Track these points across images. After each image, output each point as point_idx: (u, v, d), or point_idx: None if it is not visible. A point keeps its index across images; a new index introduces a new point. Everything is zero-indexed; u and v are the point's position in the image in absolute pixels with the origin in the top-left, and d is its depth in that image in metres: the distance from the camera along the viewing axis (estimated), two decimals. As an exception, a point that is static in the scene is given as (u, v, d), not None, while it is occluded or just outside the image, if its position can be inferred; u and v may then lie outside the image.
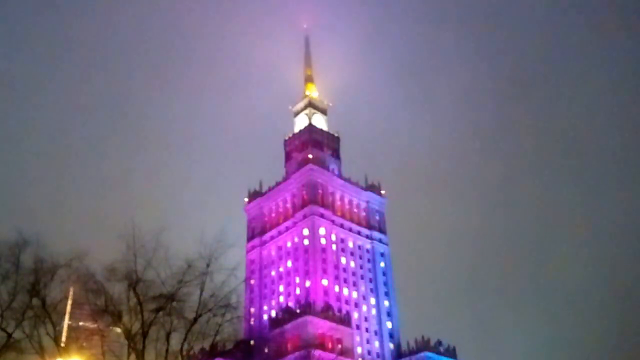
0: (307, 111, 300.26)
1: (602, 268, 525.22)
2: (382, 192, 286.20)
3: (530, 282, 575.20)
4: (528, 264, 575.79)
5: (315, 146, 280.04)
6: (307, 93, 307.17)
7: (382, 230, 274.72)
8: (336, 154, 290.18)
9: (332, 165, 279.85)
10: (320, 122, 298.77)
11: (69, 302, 58.52)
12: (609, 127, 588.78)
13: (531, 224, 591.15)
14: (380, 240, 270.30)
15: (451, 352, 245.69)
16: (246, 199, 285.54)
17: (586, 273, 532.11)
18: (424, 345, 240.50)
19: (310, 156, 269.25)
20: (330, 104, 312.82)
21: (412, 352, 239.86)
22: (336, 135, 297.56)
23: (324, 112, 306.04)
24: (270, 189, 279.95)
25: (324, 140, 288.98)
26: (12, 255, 55.24)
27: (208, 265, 57.28)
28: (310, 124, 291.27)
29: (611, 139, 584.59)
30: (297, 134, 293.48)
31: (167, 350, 56.53)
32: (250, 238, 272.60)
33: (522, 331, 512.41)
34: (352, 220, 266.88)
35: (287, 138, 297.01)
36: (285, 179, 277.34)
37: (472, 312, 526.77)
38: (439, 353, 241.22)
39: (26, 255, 55.48)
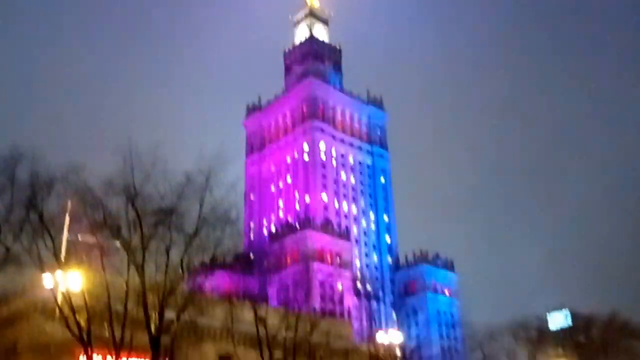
0: (307, 21, 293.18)
1: (615, 182, 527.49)
2: (384, 106, 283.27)
3: (540, 196, 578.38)
4: (538, 178, 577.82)
5: (316, 59, 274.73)
6: (307, 2, 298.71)
7: (383, 146, 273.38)
8: (337, 67, 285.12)
9: (333, 79, 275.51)
10: (321, 33, 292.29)
11: (67, 216, 57.54)
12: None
13: (542, 138, 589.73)
14: (381, 156, 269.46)
15: (449, 265, 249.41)
16: (245, 114, 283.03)
17: (599, 187, 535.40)
18: (421, 259, 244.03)
19: (310, 69, 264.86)
20: (332, 14, 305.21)
21: (409, 266, 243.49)
22: (338, 47, 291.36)
23: (325, 22, 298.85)
24: (269, 104, 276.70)
25: (325, 52, 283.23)
26: (7, 168, 54.31)
27: (207, 180, 56.44)
28: (311, 35, 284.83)
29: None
30: (297, 45, 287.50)
31: (167, 264, 56.25)
32: (249, 153, 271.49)
33: (529, 244, 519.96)
34: (352, 135, 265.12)
35: (286, 50, 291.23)
36: (284, 93, 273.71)
37: (471, 228, 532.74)
38: (436, 266, 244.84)
39: (22, 169, 54.51)
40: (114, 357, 53.15)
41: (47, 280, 54.60)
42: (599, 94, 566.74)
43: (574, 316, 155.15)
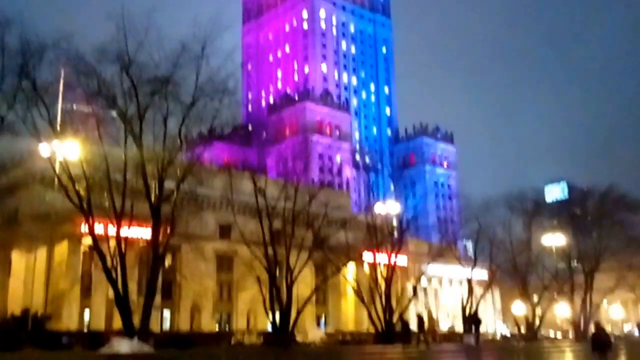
0: None
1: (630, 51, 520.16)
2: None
3: (548, 66, 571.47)
4: (549, 45, 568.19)
5: None
6: None
7: (385, 14, 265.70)
8: None
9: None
10: None
11: (61, 84, 56.21)
12: None
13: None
14: (383, 25, 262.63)
15: (448, 137, 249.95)
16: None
17: (614, 53, 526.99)
18: (421, 131, 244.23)
19: None
20: None
21: (409, 138, 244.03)
22: None
23: None
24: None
25: None
26: (-5, 35, 52.37)
27: (203, 48, 54.59)
28: None
29: None
30: None
31: (165, 134, 55.49)
32: (246, 21, 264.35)
33: (530, 116, 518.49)
34: (354, 2, 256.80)
35: None
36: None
37: (473, 99, 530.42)
38: (436, 139, 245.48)
39: (11, 36, 52.54)
40: (115, 225, 53.49)
41: (44, 149, 54.18)
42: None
43: (570, 189, 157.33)
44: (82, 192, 53.14)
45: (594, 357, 34.22)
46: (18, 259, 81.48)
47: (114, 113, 58.13)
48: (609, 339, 35.46)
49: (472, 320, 74.09)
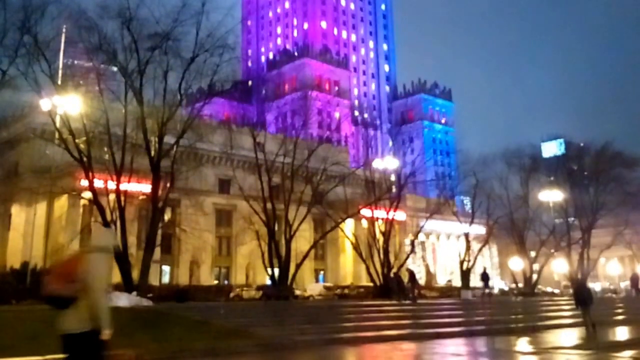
0: None
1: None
2: None
3: (549, 20, 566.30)
4: (547, 4, 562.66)
5: None
6: None
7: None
8: None
9: None
10: None
11: (62, 39, 56.38)
12: None
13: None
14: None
15: (447, 94, 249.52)
16: None
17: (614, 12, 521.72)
18: (419, 88, 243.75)
19: None
20: None
21: (407, 94, 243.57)
22: None
23: None
24: None
25: None
26: (-4, -10, 52.38)
27: (203, 4, 54.59)
28: None
29: None
30: None
31: (165, 89, 55.76)
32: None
33: (529, 72, 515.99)
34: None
35: None
36: None
37: (472, 55, 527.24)
38: (434, 95, 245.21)
39: (12, -9, 52.60)
40: (115, 180, 54.11)
41: (45, 103, 54.54)
42: None
43: (567, 145, 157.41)
44: (82, 146, 53.66)
45: (578, 310, 36.02)
46: (18, 212, 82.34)
47: (114, 68, 58.41)
48: (590, 293, 36.86)
49: (482, 277, 75.48)
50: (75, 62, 66.56)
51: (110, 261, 9.99)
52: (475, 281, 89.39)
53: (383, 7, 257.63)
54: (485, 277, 74.64)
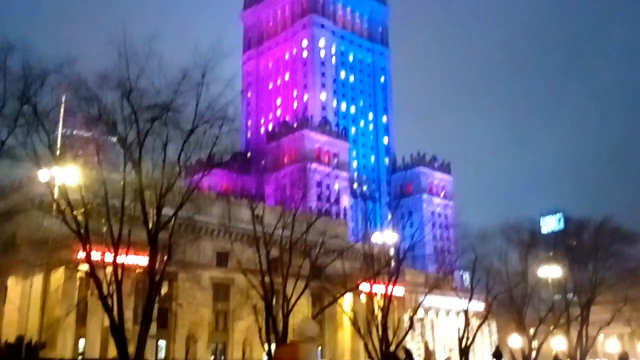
0: None
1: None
2: (387, 2, 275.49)
3: (547, 94, 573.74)
4: (545, 75, 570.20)
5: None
6: None
7: (384, 43, 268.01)
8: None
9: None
10: None
11: (62, 109, 56.44)
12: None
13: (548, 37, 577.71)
14: (381, 54, 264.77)
15: (445, 167, 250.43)
16: (242, 6, 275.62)
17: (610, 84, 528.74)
18: (418, 161, 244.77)
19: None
20: None
21: (406, 167, 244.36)
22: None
23: None
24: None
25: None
26: (-2, 60, 52.66)
27: (203, 76, 54.82)
28: None
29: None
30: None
31: (164, 161, 55.57)
32: (246, 48, 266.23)
33: (527, 148, 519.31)
34: (353, 32, 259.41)
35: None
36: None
37: (470, 129, 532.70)
38: (433, 168, 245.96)
39: (13, 60, 52.77)
40: (112, 252, 53.29)
41: (43, 175, 54.15)
42: None
43: (566, 220, 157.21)
44: (80, 218, 53.01)
45: None
46: (14, 285, 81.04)
47: (113, 139, 58.30)
48: None
49: (494, 355, 74.15)
50: (74, 132, 66.55)
51: (316, 348, 10.11)
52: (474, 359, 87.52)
53: (382, 79, 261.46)
54: (497, 355, 73.09)
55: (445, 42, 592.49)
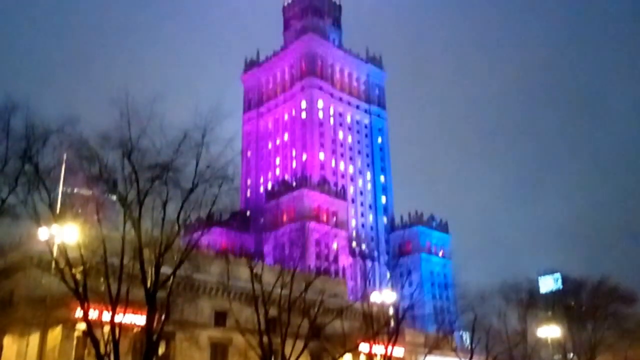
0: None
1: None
2: (383, 65, 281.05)
3: (542, 155, 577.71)
4: (539, 138, 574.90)
5: (316, 14, 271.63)
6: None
7: (381, 105, 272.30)
8: (337, 24, 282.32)
9: (333, 36, 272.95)
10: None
11: (63, 168, 57.08)
12: None
13: (547, 98, 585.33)
14: (378, 115, 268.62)
15: (443, 227, 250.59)
16: (243, 69, 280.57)
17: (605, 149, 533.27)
18: (416, 220, 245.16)
19: (309, 25, 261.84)
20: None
21: (405, 226, 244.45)
22: (338, 3, 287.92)
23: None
24: (267, 59, 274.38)
25: (325, 8, 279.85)
26: (1, 119, 53.53)
27: (204, 136, 55.77)
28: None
29: None
30: (296, 0, 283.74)
31: (163, 219, 55.95)
32: (246, 109, 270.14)
33: (524, 207, 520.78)
34: (351, 94, 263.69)
35: (285, 4, 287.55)
36: (283, 48, 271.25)
37: (466, 189, 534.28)
38: (431, 227, 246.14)
39: (16, 119, 53.67)
40: (110, 311, 53.13)
41: (43, 233, 54.39)
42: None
43: (564, 280, 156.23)
44: (78, 277, 53.04)
45: None
46: (10, 344, 79.99)
47: (114, 197, 58.73)
48: None
49: None
50: (75, 190, 66.91)
51: None
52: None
53: (379, 139, 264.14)
54: None
55: (442, 106, 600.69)
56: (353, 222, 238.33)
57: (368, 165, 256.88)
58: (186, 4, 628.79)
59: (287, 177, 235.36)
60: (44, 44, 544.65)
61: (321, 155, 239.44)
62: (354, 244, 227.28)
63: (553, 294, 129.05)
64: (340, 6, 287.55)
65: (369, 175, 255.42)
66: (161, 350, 72.03)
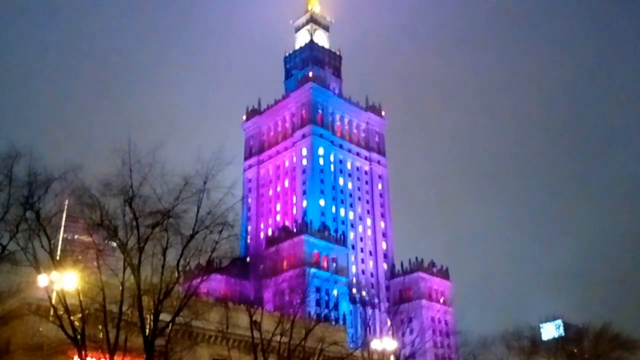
0: (308, 27, 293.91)
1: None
2: (383, 113, 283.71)
3: (539, 201, 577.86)
4: (536, 184, 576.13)
5: (316, 64, 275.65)
6: (309, 8, 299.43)
7: (380, 152, 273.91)
8: (337, 73, 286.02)
9: (333, 85, 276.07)
10: (321, 39, 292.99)
11: (64, 215, 57.33)
12: None
13: (541, 144, 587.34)
14: (378, 162, 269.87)
15: (444, 273, 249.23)
16: (244, 117, 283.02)
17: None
18: (417, 266, 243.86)
19: (310, 74, 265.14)
20: (333, 20, 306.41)
21: (405, 273, 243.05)
22: (338, 53, 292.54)
23: (326, 28, 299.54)
24: (269, 107, 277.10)
25: (325, 58, 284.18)
26: (4, 167, 53.90)
27: (205, 183, 56.11)
28: (311, 41, 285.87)
29: None
30: (297, 50, 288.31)
31: (163, 266, 55.91)
32: (247, 156, 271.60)
33: (525, 255, 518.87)
34: (351, 141, 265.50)
35: (287, 55, 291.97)
36: (284, 97, 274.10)
37: (468, 236, 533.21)
38: (431, 274, 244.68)
39: (19, 167, 54.13)
40: (107, 359, 52.75)
41: (42, 280, 54.30)
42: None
43: (566, 327, 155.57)
44: (76, 324, 52.83)
45: None
46: (5, 392, 79.17)
47: (114, 244, 58.76)
48: None
49: None
50: (75, 237, 67.06)
51: None
52: None
53: (379, 186, 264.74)
54: None
55: (441, 152, 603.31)
56: (353, 269, 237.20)
57: (368, 212, 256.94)
58: (190, 53, 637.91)
59: (287, 223, 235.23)
60: (50, 92, 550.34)
61: (321, 202, 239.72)
62: (354, 290, 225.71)
63: (555, 341, 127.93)
64: (340, 56, 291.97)
65: (369, 222, 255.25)
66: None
